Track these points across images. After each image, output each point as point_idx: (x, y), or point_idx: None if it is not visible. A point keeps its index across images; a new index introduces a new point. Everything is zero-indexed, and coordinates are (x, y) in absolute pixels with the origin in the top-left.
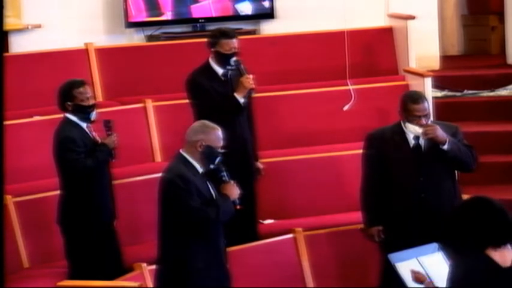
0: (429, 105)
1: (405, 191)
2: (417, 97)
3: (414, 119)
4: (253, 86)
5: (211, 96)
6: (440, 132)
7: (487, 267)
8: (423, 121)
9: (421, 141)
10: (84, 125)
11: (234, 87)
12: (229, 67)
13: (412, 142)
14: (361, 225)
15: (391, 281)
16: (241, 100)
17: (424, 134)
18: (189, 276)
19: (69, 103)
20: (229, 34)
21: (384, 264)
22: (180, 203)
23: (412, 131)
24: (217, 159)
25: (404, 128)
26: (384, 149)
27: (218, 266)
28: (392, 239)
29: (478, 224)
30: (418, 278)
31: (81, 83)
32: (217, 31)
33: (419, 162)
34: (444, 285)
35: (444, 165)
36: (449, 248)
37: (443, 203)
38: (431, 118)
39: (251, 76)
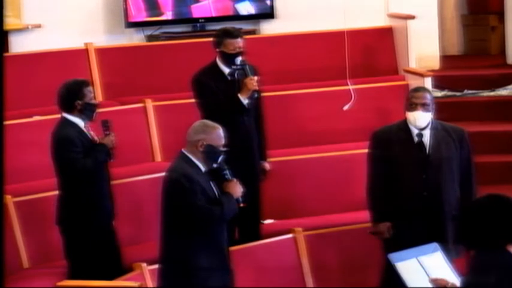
0: (432, 100)
1: (409, 189)
2: (419, 87)
3: (412, 107)
4: (257, 88)
5: (215, 96)
6: None
7: (509, 262)
8: (419, 109)
9: (425, 139)
10: (81, 124)
11: (239, 88)
12: (234, 67)
13: (415, 139)
14: (369, 226)
15: (393, 279)
16: (245, 101)
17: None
18: (193, 276)
19: (79, 102)
20: (233, 34)
21: (386, 262)
22: (185, 202)
23: (411, 119)
24: (220, 158)
25: (409, 125)
26: (389, 147)
27: (221, 265)
28: (397, 238)
29: (497, 222)
30: (439, 283)
31: (88, 82)
32: (221, 31)
33: (422, 160)
34: None
35: (448, 163)
36: (467, 245)
37: (446, 201)
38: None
39: (255, 78)
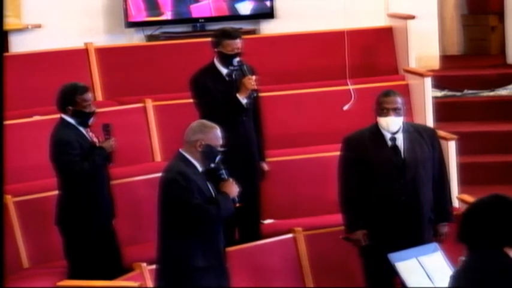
0: (403, 103)
1: (387, 194)
2: (389, 91)
3: (383, 112)
4: (255, 87)
5: (214, 96)
6: None
7: (506, 265)
8: (391, 114)
9: (399, 142)
10: (80, 127)
11: (237, 88)
12: (232, 67)
13: (389, 143)
14: (343, 234)
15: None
16: (244, 101)
17: None
18: (189, 276)
19: (70, 107)
20: (232, 35)
21: (367, 268)
22: (181, 201)
23: (384, 125)
24: (217, 158)
25: (381, 129)
26: (362, 152)
27: (217, 265)
28: (374, 242)
29: (496, 224)
30: None
31: (84, 90)
32: (220, 31)
33: (399, 164)
34: (445, 285)
35: (423, 166)
36: (466, 245)
37: (423, 203)
38: (430, 119)
39: (253, 77)
